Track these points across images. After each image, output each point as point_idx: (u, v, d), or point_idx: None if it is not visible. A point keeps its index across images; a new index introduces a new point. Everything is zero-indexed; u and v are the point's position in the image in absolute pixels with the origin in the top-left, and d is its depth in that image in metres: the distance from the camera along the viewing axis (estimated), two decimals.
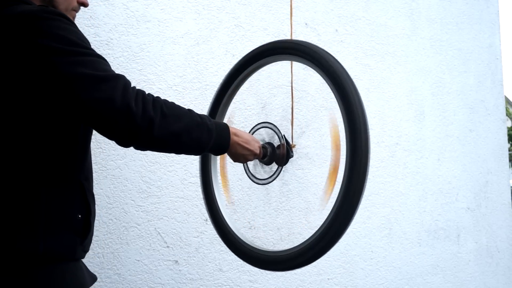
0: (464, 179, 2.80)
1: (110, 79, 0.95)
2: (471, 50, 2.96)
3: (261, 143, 1.29)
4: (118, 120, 0.94)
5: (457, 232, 2.73)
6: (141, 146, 1.01)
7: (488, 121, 2.99)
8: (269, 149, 1.30)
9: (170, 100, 1.04)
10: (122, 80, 0.96)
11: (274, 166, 1.32)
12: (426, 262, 2.58)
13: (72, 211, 1.02)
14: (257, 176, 1.34)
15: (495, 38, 3.12)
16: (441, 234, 2.66)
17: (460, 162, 2.80)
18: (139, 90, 0.98)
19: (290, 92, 1.67)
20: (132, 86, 0.98)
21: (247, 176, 1.38)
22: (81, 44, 0.97)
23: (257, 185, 1.38)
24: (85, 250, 1.07)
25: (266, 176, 1.33)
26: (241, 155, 1.18)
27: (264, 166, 1.32)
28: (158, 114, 0.97)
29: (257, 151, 1.21)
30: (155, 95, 1.01)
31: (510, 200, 3.05)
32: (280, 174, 1.30)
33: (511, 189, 3.31)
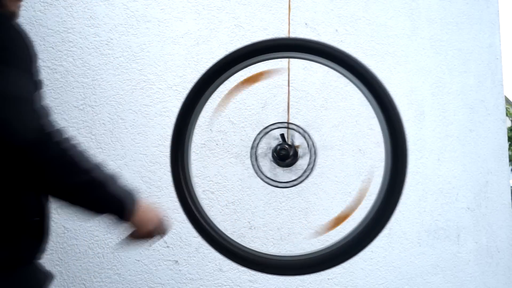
0: (464, 179, 2.80)
1: (20, 99, 0.87)
2: (471, 50, 2.96)
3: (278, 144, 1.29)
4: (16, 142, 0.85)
5: (457, 232, 2.73)
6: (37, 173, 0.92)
7: (488, 121, 2.98)
8: (290, 150, 1.30)
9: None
10: (33, 104, 0.89)
11: (294, 167, 1.31)
12: (426, 262, 2.58)
13: (28, 214, 0.99)
14: (281, 180, 1.33)
15: (495, 38, 3.12)
16: (441, 234, 2.66)
17: (460, 162, 2.80)
18: (48, 121, 0.92)
19: (291, 91, 1.67)
20: (43, 112, 0.91)
21: (271, 185, 1.34)
22: (7, 50, 0.89)
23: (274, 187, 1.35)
24: (43, 251, 1.05)
25: (294, 177, 1.32)
26: (148, 220, 1.10)
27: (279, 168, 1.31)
28: (62, 156, 0.92)
29: (161, 217, 1.15)
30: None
31: (510, 200, 3.04)
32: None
33: (511, 189, 3.31)
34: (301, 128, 1.31)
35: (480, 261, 2.82)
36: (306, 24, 2.29)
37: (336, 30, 2.38)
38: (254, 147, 1.31)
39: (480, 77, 2.99)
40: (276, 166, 1.32)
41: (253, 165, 1.32)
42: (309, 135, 1.30)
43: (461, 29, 2.93)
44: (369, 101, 1.24)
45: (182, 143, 1.30)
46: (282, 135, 1.31)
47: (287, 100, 2.15)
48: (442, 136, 2.74)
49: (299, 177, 1.32)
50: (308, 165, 1.30)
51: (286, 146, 1.30)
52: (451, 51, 2.86)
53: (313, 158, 1.30)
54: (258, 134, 1.33)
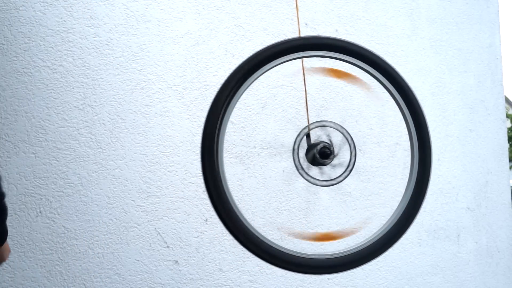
0: (464, 179, 2.80)
1: None
2: (471, 50, 2.96)
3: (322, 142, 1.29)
4: None
5: (457, 232, 2.73)
6: None
7: (488, 121, 2.98)
8: (332, 149, 1.29)
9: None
10: None
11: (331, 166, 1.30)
12: (426, 262, 2.58)
13: None
14: (328, 178, 1.31)
15: (495, 38, 3.12)
16: (441, 234, 2.66)
17: (460, 162, 2.80)
18: None
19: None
20: None
21: (321, 185, 1.29)
22: None
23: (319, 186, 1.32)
24: None
25: (337, 174, 1.31)
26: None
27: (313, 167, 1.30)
28: None
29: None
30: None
31: (510, 200, 3.04)
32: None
33: (511, 189, 3.31)
34: (329, 121, 1.31)
35: (480, 261, 2.82)
36: (306, 24, 2.29)
37: (336, 30, 2.38)
38: (300, 169, 1.27)
39: (480, 77, 2.98)
40: (321, 166, 1.30)
41: (311, 182, 1.27)
42: (341, 126, 1.30)
43: (461, 29, 2.93)
44: (399, 105, 1.28)
45: (214, 143, 1.13)
46: (307, 135, 1.30)
47: (286, 101, 2.15)
48: (442, 136, 2.74)
49: (350, 162, 1.31)
50: (350, 150, 1.30)
51: (326, 143, 1.29)
52: (451, 51, 2.86)
53: (351, 141, 1.30)
54: (292, 154, 1.27)
